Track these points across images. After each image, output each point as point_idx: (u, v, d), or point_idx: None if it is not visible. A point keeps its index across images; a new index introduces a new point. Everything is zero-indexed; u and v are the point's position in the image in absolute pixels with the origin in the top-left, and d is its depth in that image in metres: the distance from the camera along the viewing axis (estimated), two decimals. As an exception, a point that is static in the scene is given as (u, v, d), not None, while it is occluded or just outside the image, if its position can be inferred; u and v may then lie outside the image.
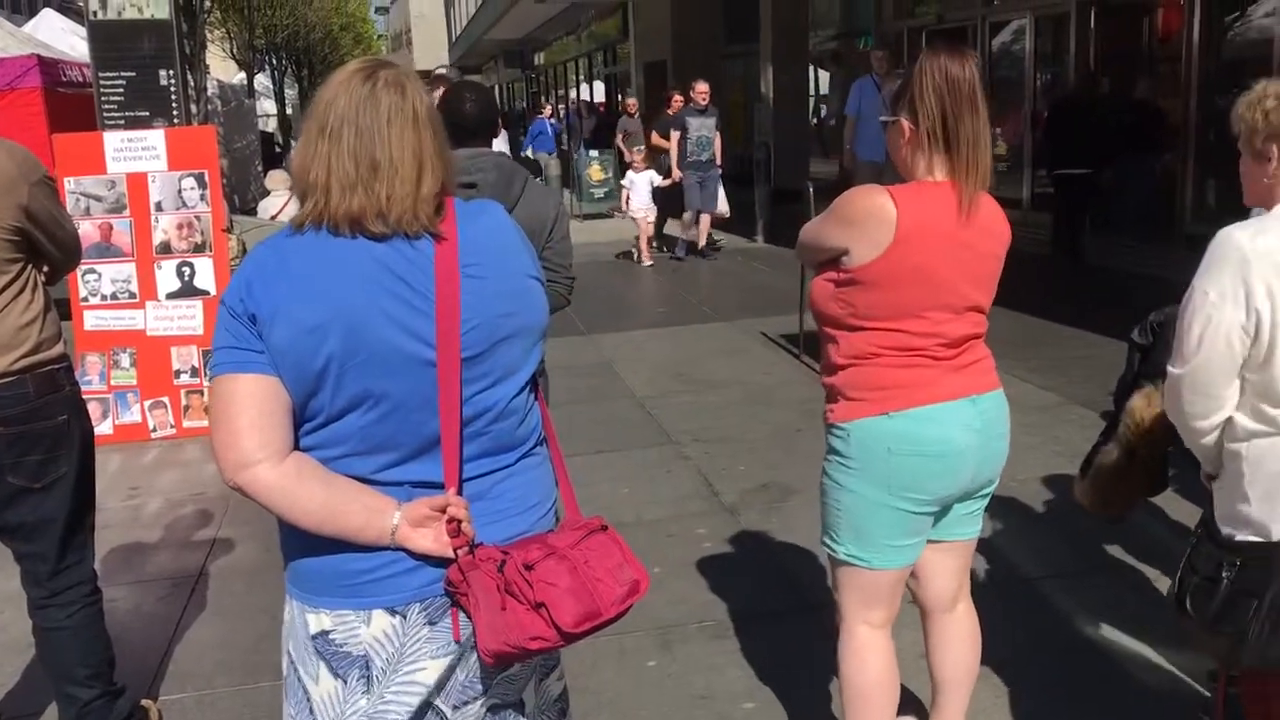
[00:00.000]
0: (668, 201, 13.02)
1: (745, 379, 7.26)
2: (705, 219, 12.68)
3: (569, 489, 2.09)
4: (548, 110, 21.33)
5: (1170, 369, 2.28)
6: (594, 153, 17.67)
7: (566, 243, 3.53)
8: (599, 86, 30.47)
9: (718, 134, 12.44)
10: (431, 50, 53.49)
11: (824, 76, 19.08)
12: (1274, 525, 2.17)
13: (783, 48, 16.51)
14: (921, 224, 2.41)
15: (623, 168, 18.37)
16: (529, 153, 20.34)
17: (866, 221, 2.42)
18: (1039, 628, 3.81)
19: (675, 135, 12.40)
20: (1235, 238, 2.17)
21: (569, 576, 1.84)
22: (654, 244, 12.99)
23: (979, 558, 4.28)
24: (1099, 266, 10.49)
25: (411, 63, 58.05)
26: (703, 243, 12.80)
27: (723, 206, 12.76)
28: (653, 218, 12.80)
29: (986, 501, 2.77)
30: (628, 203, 12.87)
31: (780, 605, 4.05)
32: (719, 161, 12.48)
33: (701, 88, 12.34)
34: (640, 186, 12.66)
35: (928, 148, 2.47)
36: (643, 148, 13.18)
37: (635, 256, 12.85)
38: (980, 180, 2.48)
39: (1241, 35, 10.78)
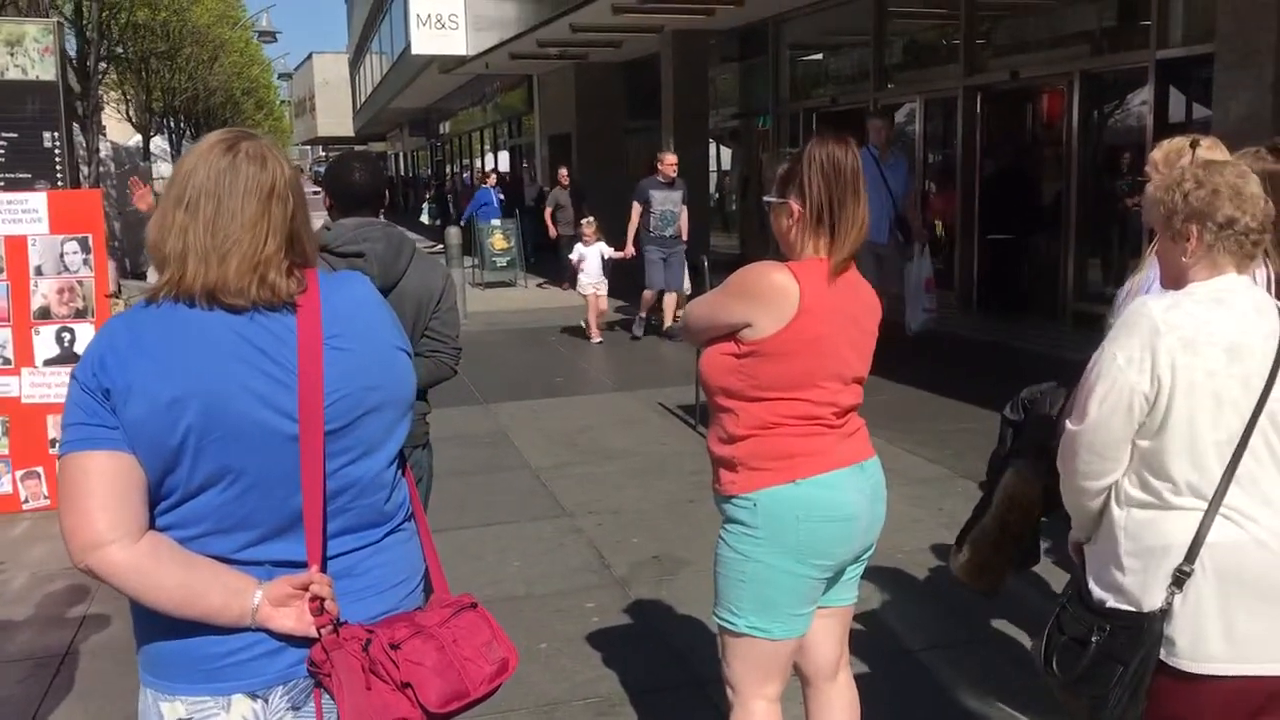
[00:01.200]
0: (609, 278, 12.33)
1: (641, 449, 7.27)
2: (671, 298, 11.75)
3: (438, 565, 2.06)
4: (492, 179, 20.74)
5: (1069, 425, 2.33)
6: (496, 221, 17.70)
7: (454, 313, 3.52)
8: (504, 156, 30.63)
9: (684, 208, 11.50)
10: (336, 117, 53.30)
11: (725, 153, 19.50)
12: (1146, 596, 2.22)
13: (684, 124, 16.84)
14: (819, 298, 2.53)
15: (540, 238, 18.51)
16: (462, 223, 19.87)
17: (772, 295, 2.52)
18: (920, 699, 3.84)
19: (636, 208, 11.51)
20: (1150, 308, 2.25)
21: (436, 655, 1.82)
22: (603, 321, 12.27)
23: (865, 629, 4.32)
24: (987, 342, 10.79)
25: (315, 129, 57.84)
26: (669, 322, 11.71)
27: (685, 284, 11.85)
28: (604, 291, 12.07)
29: (864, 568, 2.84)
30: (575, 277, 12.19)
31: (668, 680, 4.02)
32: (683, 237, 11.56)
33: (669, 159, 11.46)
34: (591, 259, 11.93)
35: (814, 228, 2.59)
36: (592, 220, 12.25)
37: (585, 332, 12.03)
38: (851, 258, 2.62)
39: (1120, 122, 11.34)
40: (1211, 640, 2.19)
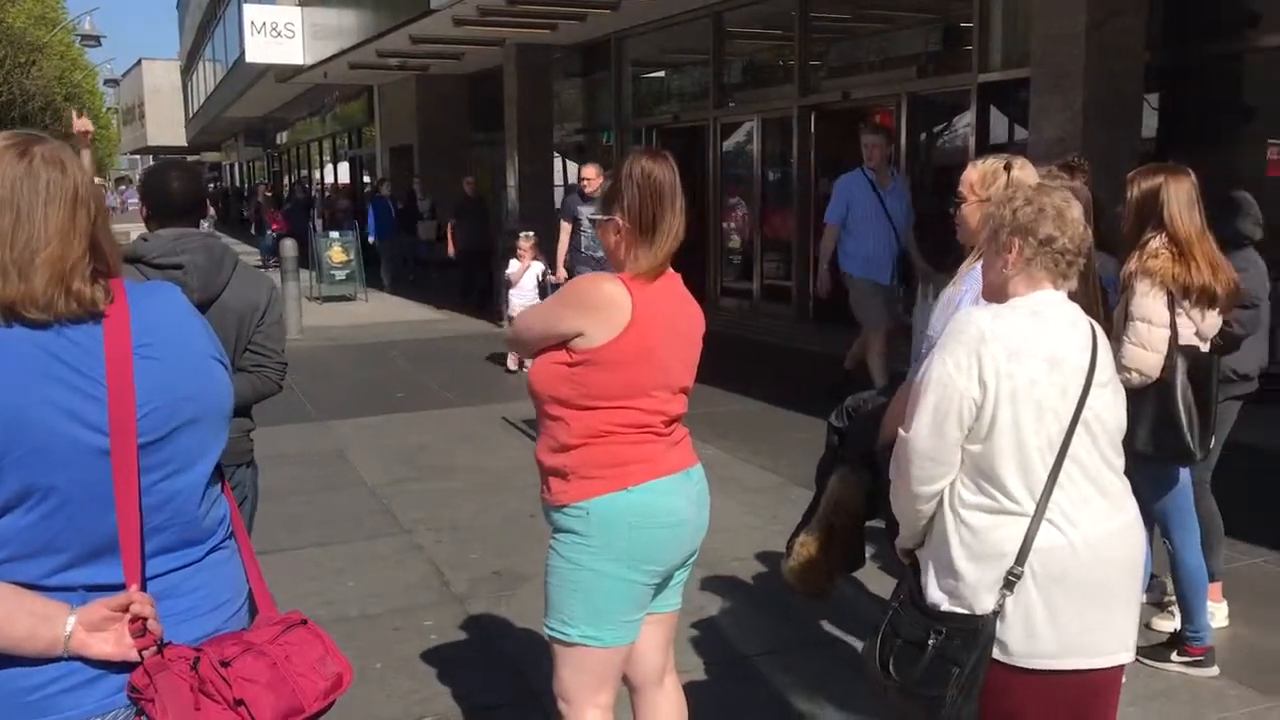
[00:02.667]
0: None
1: (483, 465, 7.20)
2: None
3: (262, 585, 1.99)
4: (386, 188, 19.90)
5: (902, 432, 2.41)
6: (335, 234, 17.31)
7: (278, 327, 3.43)
8: (344, 168, 30.03)
9: None
10: (168, 126, 51.30)
11: (571, 166, 19.56)
12: (979, 599, 2.31)
13: (527, 138, 16.81)
14: (650, 309, 2.59)
15: (417, 251, 17.93)
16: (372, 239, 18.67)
17: (604, 306, 2.57)
18: (754, 704, 3.91)
19: (565, 227, 10.10)
20: (976, 317, 2.36)
21: (269, 671, 1.76)
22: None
23: (701, 636, 4.38)
24: (824, 354, 11.08)
25: (145, 138, 55.54)
26: None
27: None
28: None
29: (688, 574, 2.89)
30: (508, 302, 10.53)
31: (506, 695, 3.99)
32: None
33: (589, 172, 10.04)
34: (527, 280, 10.44)
35: (638, 241, 2.66)
36: (531, 234, 10.75)
37: (506, 360, 10.83)
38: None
39: (947, 142, 11.83)
40: (1040, 639, 2.30)
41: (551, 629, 2.70)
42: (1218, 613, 4.29)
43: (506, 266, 10.75)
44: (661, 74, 16.99)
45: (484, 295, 15.08)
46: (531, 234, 10.63)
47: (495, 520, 6.00)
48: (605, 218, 2.72)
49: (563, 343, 2.61)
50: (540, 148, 17.17)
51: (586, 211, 9.61)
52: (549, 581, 2.70)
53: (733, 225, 14.81)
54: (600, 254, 10.66)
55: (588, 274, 2.71)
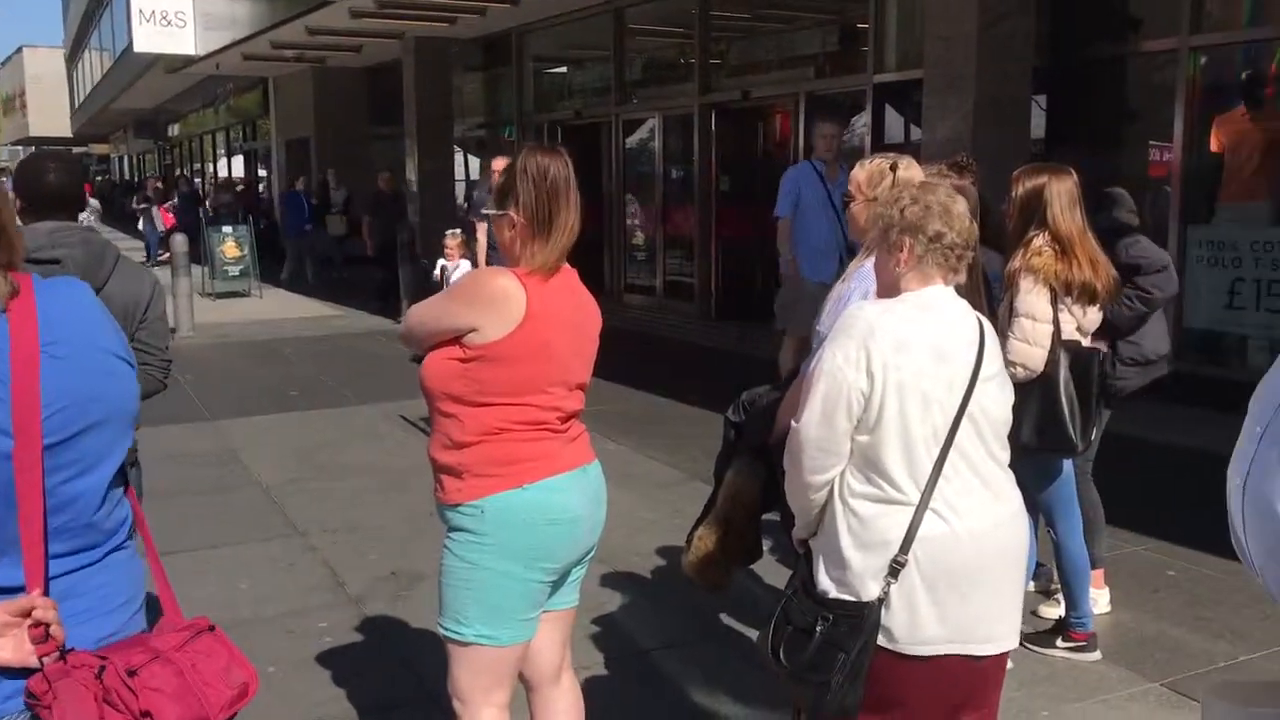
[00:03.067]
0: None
1: (381, 464, 7.10)
2: None
3: (167, 587, 1.94)
4: (301, 183, 18.99)
5: (794, 424, 2.44)
6: (228, 228, 16.90)
7: (161, 323, 3.34)
8: (238, 161, 29.33)
9: None
10: (51, 116, 49.45)
11: (473, 161, 19.39)
12: (865, 586, 2.35)
13: (427, 132, 16.62)
14: (546, 304, 2.57)
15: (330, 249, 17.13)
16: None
17: (499, 300, 2.54)
18: (654, 698, 3.92)
19: (482, 225, 9.45)
20: (865, 311, 2.41)
21: (175, 681, 1.72)
22: None
23: (601, 631, 4.38)
24: (725, 349, 11.19)
25: (27, 129, 53.50)
26: None
27: None
28: None
29: (585, 571, 2.89)
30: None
31: (403, 697, 3.94)
32: None
33: (501, 165, 9.31)
34: (455, 279, 9.94)
35: (532, 236, 2.63)
36: (458, 232, 9.98)
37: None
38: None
39: (845, 141, 12.01)
40: (923, 625, 2.35)
41: (446, 629, 2.67)
42: (1100, 599, 4.43)
43: (407, 262, 10.43)
44: (563, 70, 16.95)
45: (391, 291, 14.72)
46: (458, 232, 9.81)
47: (392, 520, 5.92)
48: (499, 213, 2.69)
49: (456, 338, 2.58)
50: (440, 143, 17.00)
51: None
52: (443, 581, 2.67)
53: (636, 222, 14.85)
54: None
55: (485, 269, 2.69)
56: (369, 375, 10.46)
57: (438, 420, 2.66)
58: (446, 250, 9.70)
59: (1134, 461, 4.61)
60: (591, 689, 3.05)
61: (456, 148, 18.31)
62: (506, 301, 2.55)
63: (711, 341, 11.75)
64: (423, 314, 2.73)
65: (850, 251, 8.12)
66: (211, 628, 1.87)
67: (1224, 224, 8.17)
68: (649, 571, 5.07)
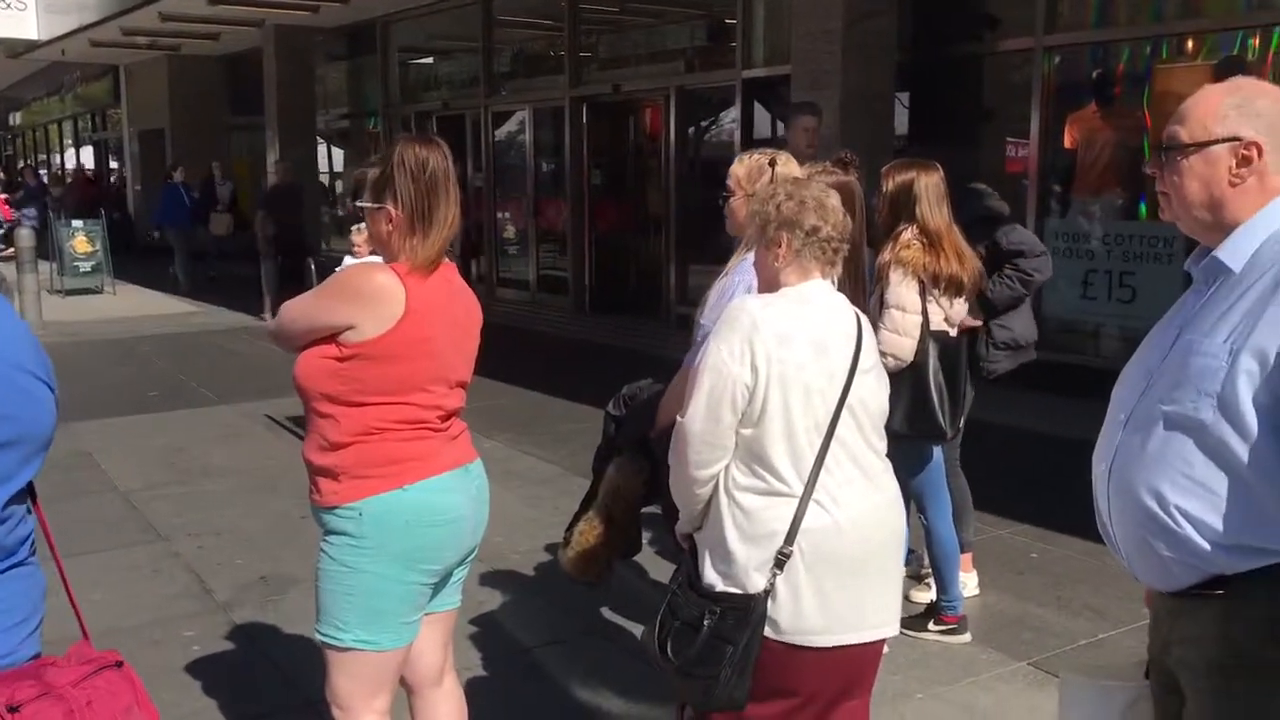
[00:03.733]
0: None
1: (247, 465, 6.88)
2: None
3: (77, 610, 1.88)
4: (180, 173, 16.91)
5: (679, 418, 2.44)
6: (79, 222, 16.15)
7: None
8: (87, 152, 28.07)
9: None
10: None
11: (337, 153, 18.96)
12: (751, 579, 2.37)
13: (289, 123, 16.18)
14: (425, 300, 2.51)
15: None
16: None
17: (376, 297, 2.48)
18: (536, 696, 3.89)
19: None
20: (749, 305, 2.43)
21: None
22: None
23: (481, 631, 4.33)
24: (600, 344, 11.18)
25: None
26: None
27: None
28: None
29: (468, 571, 2.85)
30: None
31: (277, 704, 3.82)
32: (458, 252, 8.96)
33: None
34: None
35: (410, 230, 2.56)
36: (363, 227, 8.74)
37: None
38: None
39: (714, 136, 12.14)
40: (809, 615, 2.37)
41: (324, 634, 2.60)
42: (969, 582, 4.57)
43: (271, 258, 10.00)
44: (430, 60, 16.70)
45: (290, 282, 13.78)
46: (363, 226, 8.85)
47: (261, 524, 5.74)
48: (376, 206, 2.61)
49: (332, 336, 2.50)
50: (303, 133, 16.58)
51: None
52: (320, 586, 2.59)
53: (507, 215, 14.74)
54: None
55: (357, 264, 2.61)
56: (232, 374, 10.13)
57: (313, 421, 2.58)
58: (355, 247, 8.18)
59: (995, 447, 4.78)
60: (473, 690, 3.01)
61: (319, 139, 17.88)
62: (385, 298, 2.48)
63: (586, 335, 11.73)
64: (295, 311, 2.63)
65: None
66: (119, 663, 1.80)
67: (1078, 217, 8.51)
68: (529, 569, 5.03)
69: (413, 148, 2.59)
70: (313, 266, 7.87)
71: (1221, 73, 4.54)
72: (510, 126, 14.69)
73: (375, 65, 16.65)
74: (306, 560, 5.02)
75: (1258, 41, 7.44)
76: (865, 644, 2.47)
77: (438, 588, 2.70)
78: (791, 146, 7.72)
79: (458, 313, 2.66)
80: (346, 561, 2.53)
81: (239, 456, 7.11)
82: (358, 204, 2.71)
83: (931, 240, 3.92)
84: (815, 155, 7.07)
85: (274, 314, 8.44)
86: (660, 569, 4.62)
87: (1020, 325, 4.52)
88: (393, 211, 2.57)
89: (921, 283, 3.88)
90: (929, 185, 3.94)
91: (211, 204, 17.48)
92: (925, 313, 3.87)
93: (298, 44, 16.10)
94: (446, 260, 2.67)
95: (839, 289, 2.64)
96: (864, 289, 3.40)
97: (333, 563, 2.55)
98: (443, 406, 2.60)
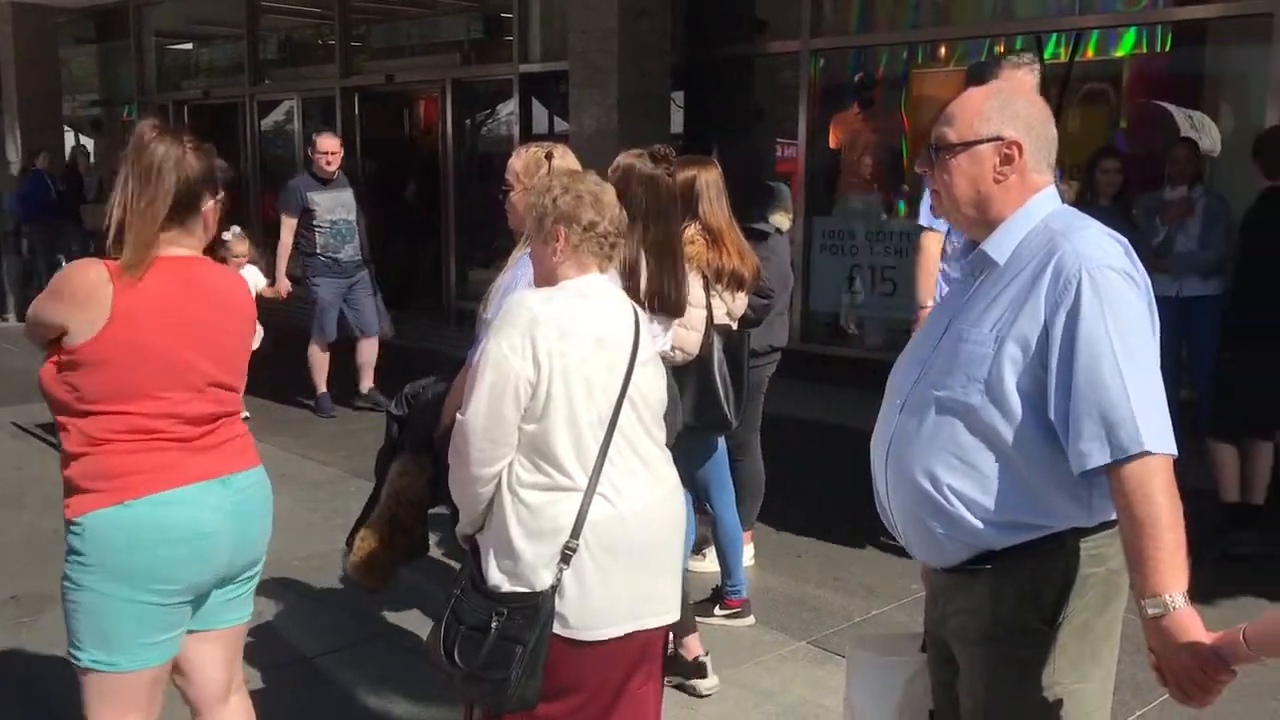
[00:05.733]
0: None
1: (-10, 478, 6.36)
2: (370, 346, 8.10)
3: None
4: (42, 160, 14.01)
5: (459, 415, 2.39)
6: None
7: None
8: None
9: (361, 216, 7.93)
10: None
11: (88, 143, 17.74)
12: (538, 576, 2.35)
13: (31, 109, 15.01)
14: (140, 301, 2.36)
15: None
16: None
17: (82, 296, 2.34)
18: (321, 705, 3.77)
19: (288, 222, 7.75)
20: (528, 300, 2.41)
21: None
22: None
23: (259, 642, 4.13)
24: (381, 343, 10.88)
25: None
26: (368, 383, 8.05)
27: (385, 322, 8.26)
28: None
29: (254, 584, 2.71)
30: None
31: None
32: (368, 257, 8.02)
33: (327, 144, 7.74)
34: None
35: (130, 227, 2.41)
36: (240, 230, 7.07)
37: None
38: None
39: (492, 130, 12.03)
40: (596, 609, 2.38)
41: (69, 654, 2.47)
42: (745, 553, 4.70)
43: (14, 252, 9.20)
44: (189, 46, 15.85)
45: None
46: (239, 229, 7.09)
47: (11, 540, 5.31)
48: (110, 199, 2.47)
49: (58, 339, 2.36)
50: (48, 121, 15.42)
51: (322, 201, 7.69)
52: (62, 604, 2.45)
53: (275, 208, 14.15)
54: (344, 254, 7.79)
55: (81, 259, 2.43)
56: (-29, 380, 9.33)
57: (59, 432, 2.42)
58: (233, 257, 6.78)
59: (768, 436, 4.94)
60: (257, 702, 2.86)
61: (67, 127, 16.69)
62: (89, 300, 2.34)
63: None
64: (30, 311, 2.48)
65: None
66: None
67: (842, 215, 8.91)
68: (310, 575, 4.85)
69: (137, 139, 2.44)
70: (64, 263, 7.31)
71: (972, 78, 4.81)
72: (277, 116, 14.14)
73: (128, 50, 15.68)
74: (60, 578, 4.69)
75: (1003, 49, 8.00)
76: (649, 631, 2.51)
77: (199, 604, 2.54)
78: None
79: (199, 312, 2.48)
80: (74, 579, 2.40)
81: (-19, 469, 6.55)
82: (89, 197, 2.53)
83: (714, 236, 3.99)
84: None
85: (17, 314, 7.84)
86: (447, 571, 4.54)
87: (775, 333, 4.74)
88: (122, 204, 2.43)
89: (705, 278, 3.95)
90: (709, 182, 4.02)
91: (78, 196, 15.49)
92: (709, 307, 3.95)
93: (37, 24, 14.93)
94: (196, 256, 2.52)
95: (652, 283, 2.66)
96: (683, 279, 3.47)
97: (66, 580, 2.43)
98: (183, 414, 2.44)
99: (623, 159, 3.44)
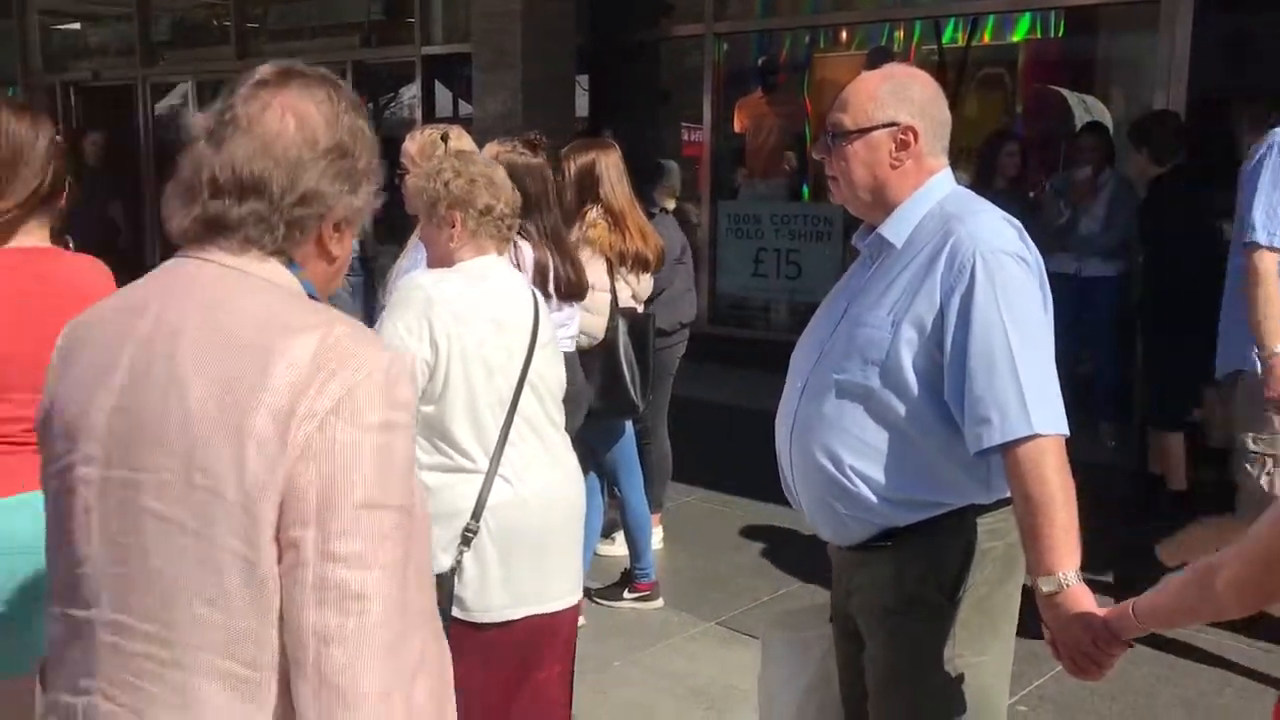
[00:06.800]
0: None
1: None
2: None
3: None
4: None
5: None
6: None
7: None
8: None
9: None
10: None
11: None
12: (436, 560, 2.30)
13: (-93, 90, 14.38)
14: None
15: None
16: None
17: None
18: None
19: None
20: (420, 281, 2.38)
21: None
22: None
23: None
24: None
25: None
26: None
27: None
28: None
29: None
30: None
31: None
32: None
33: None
34: None
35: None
36: None
37: None
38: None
39: (395, 113, 11.84)
40: (494, 591, 2.38)
41: None
42: (654, 534, 4.72)
43: None
44: (78, 26, 15.30)
45: None
46: None
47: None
48: None
49: None
50: (-76, 102, 14.76)
51: None
52: None
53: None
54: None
55: None
56: None
57: None
58: None
59: (675, 418, 4.96)
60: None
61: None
62: None
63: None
64: None
65: None
66: None
67: (748, 199, 8.96)
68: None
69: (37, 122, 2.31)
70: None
71: (872, 62, 4.87)
72: (172, 99, 13.72)
73: (12, 29, 15.06)
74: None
75: (902, 34, 8.11)
76: (548, 614, 2.50)
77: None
78: None
79: (53, 304, 2.22)
80: None
81: None
82: None
83: (616, 219, 3.99)
84: None
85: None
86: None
87: (684, 309, 4.73)
88: None
89: (609, 260, 3.95)
90: (609, 165, 4.01)
91: None
92: (614, 290, 3.95)
93: (-87, 1, 14.32)
94: (48, 247, 2.33)
95: (553, 270, 2.63)
96: (576, 265, 3.44)
97: None
98: (31, 417, 2.27)
99: (499, 154, 3.33)
